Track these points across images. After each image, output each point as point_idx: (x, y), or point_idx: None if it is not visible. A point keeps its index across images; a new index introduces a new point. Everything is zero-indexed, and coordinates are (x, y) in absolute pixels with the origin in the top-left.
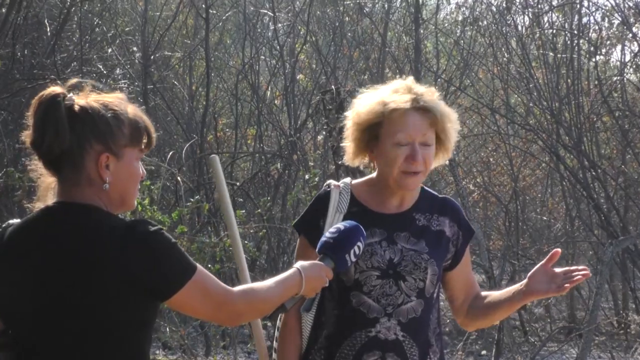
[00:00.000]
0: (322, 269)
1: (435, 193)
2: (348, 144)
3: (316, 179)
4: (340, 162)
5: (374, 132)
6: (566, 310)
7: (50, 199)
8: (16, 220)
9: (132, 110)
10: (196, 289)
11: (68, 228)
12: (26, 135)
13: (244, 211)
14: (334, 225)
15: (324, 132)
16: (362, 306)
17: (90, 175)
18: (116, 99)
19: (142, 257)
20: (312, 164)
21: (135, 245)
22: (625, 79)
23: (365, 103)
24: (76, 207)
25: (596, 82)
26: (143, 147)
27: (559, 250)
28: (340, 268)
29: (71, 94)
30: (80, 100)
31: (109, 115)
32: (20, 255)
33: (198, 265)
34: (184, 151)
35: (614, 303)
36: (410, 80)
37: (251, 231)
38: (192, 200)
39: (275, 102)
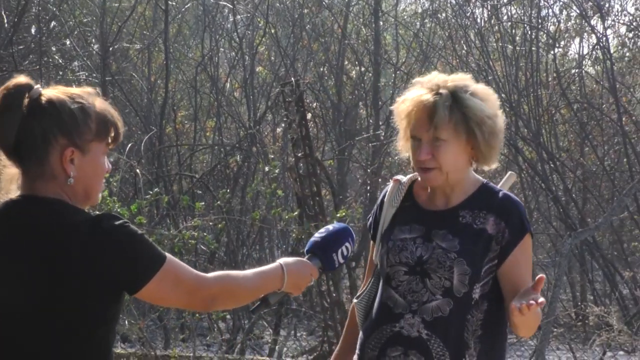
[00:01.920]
0: (306, 266)
1: (498, 189)
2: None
3: (276, 170)
4: (299, 154)
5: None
6: None
7: (14, 192)
8: None
9: (100, 104)
10: (167, 279)
11: (33, 223)
12: None
13: (203, 203)
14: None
15: (283, 124)
16: (390, 300)
17: (54, 169)
18: (84, 92)
19: (108, 252)
20: (272, 156)
21: (102, 240)
22: (583, 71)
23: (401, 100)
24: (40, 202)
25: (555, 75)
26: (110, 141)
27: (544, 276)
28: (327, 268)
29: (38, 86)
30: (47, 91)
31: (76, 108)
32: None
33: (167, 254)
34: (142, 143)
35: (572, 295)
36: (435, 73)
37: (210, 223)
38: (151, 192)
39: (235, 94)
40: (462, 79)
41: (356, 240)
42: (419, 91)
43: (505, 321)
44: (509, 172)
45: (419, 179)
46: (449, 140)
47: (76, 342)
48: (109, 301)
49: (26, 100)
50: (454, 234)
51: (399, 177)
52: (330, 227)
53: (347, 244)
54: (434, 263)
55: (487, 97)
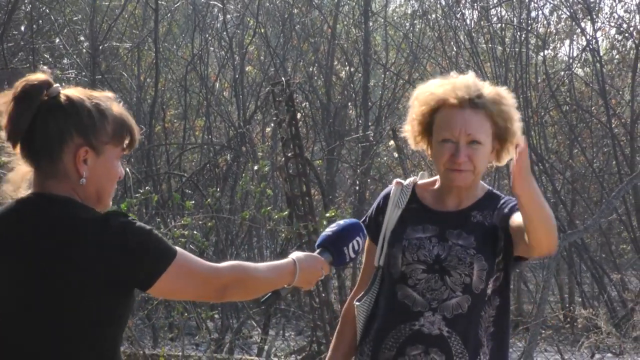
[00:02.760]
0: (318, 261)
1: (503, 194)
2: (407, 126)
3: (266, 168)
4: (289, 154)
5: (428, 127)
6: (513, 304)
7: (24, 189)
8: None
9: (118, 108)
10: (179, 273)
11: (43, 222)
12: (3, 119)
13: (192, 202)
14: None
15: (272, 124)
16: (407, 299)
17: (67, 168)
18: (103, 96)
19: (119, 250)
20: (260, 154)
21: (110, 238)
22: (573, 73)
23: (425, 92)
24: (51, 200)
25: (544, 77)
26: (125, 146)
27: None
28: (338, 262)
29: (57, 84)
30: (66, 91)
31: (94, 109)
32: None
33: (178, 249)
34: None
35: (561, 297)
36: (471, 76)
37: (200, 222)
38: (140, 191)
39: (224, 93)
40: (489, 84)
41: None
42: (452, 92)
43: (509, 316)
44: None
45: (419, 179)
46: (485, 144)
47: (86, 342)
48: (118, 299)
49: (44, 96)
50: (468, 232)
51: (400, 180)
52: (341, 221)
53: (358, 239)
54: (453, 260)
55: (511, 102)
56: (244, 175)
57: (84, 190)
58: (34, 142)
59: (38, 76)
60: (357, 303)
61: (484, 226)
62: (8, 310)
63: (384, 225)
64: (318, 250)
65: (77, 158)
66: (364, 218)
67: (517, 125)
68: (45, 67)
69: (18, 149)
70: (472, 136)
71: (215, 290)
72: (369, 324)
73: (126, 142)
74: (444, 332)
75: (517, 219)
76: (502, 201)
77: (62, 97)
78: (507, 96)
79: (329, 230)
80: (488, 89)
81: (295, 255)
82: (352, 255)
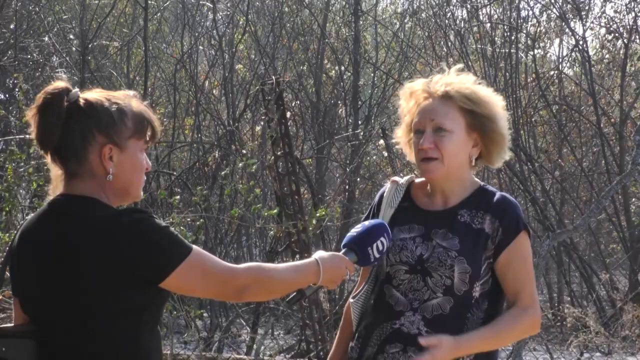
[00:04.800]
0: (342, 260)
1: (495, 191)
2: (399, 132)
3: (254, 167)
4: (279, 153)
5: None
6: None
7: (59, 190)
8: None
9: (137, 104)
10: (193, 270)
11: (64, 222)
12: (31, 129)
13: (178, 197)
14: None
15: (262, 123)
16: (391, 299)
17: (94, 167)
18: (121, 94)
19: (127, 245)
20: (244, 151)
21: (122, 235)
22: (562, 73)
23: (405, 88)
24: (73, 200)
25: (534, 76)
26: (147, 139)
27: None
28: (363, 262)
29: (76, 89)
30: (85, 94)
31: (113, 108)
32: (28, 247)
33: (194, 246)
34: None
35: (550, 296)
36: (454, 70)
37: (188, 220)
38: None
39: (214, 92)
40: (469, 79)
41: (334, 239)
42: (426, 84)
43: None
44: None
45: (416, 177)
46: (453, 132)
47: (105, 333)
48: (136, 294)
49: (65, 103)
50: (453, 233)
51: (397, 178)
52: (366, 222)
53: (382, 239)
54: (435, 262)
55: (491, 98)
56: (232, 174)
57: (112, 185)
58: (60, 146)
59: (56, 84)
60: (352, 300)
61: (471, 228)
62: (41, 311)
63: None
64: (343, 251)
65: (103, 156)
66: (364, 216)
67: (502, 125)
68: (62, 74)
69: (49, 156)
70: (436, 122)
71: (234, 290)
72: (361, 321)
73: (148, 134)
74: (423, 332)
75: (500, 268)
76: (498, 205)
77: (82, 101)
78: (487, 94)
79: (354, 230)
80: (467, 85)
81: (319, 255)
82: (377, 255)
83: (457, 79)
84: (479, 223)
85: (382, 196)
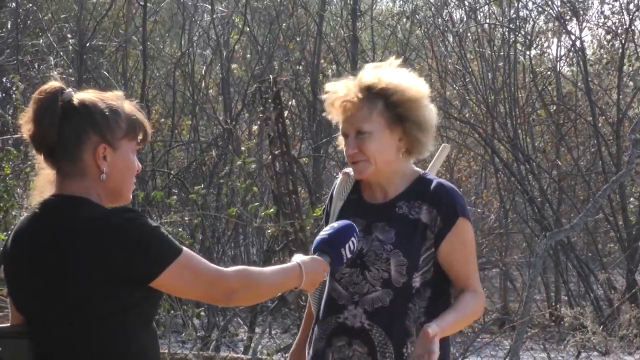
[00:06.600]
0: (321, 264)
1: (433, 179)
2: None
3: (253, 166)
4: (276, 152)
5: None
6: (499, 302)
7: (49, 191)
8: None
9: (129, 105)
10: (182, 271)
11: (54, 222)
12: (25, 129)
13: (175, 197)
14: (334, 217)
15: (259, 122)
16: (334, 292)
17: (87, 166)
18: (113, 96)
19: (117, 246)
20: (243, 148)
21: (111, 235)
22: (559, 73)
23: (327, 100)
24: (64, 200)
25: (531, 76)
26: (139, 141)
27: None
28: (336, 263)
29: (70, 89)
30: (79, 94)
31: (106, 108)
32: (21, 247)
33: (184, 248)
34: None
35: (547, 295)
36: (364, 71)
37: (186, 219)
38: None
39: (211, 91)
40: (387, 72)
41: None
42: (343, 90)
43: (449, 303)
44: (443, 145)
45: (354, 171)
46: (372, 132)
47: (96, 333)
48: (125, 294)
49: (60, 103)
50: (390, 226)
51: (348, 170)
52: (335, 224)
53: (352, 239)
54: (372, 255)
55: (412, 89)
56: (230, 174)
57: (105, 185)
58: (55, 146)
59: (51, 84)
60: (309, 294)
61: (408, 219)
62: (33, 311)
63: (330, 217)
64: (316, 254)
65: (97, 155)
66: (323, 208)
67: (423, 114)
68: (55, 74)
69: (41, 156)
70: (356, 126)
71: (223, 293)
72: (317, 314)
73: (140, 136)
74: (365, 325)
75: (444, 256)
76: (434, 193)
77: (76, 101)
78: (409, 85)
79: (325, 233)
80: (386, 80)
81: (300, 258)
82: (349, 256)
83: (374, 75)
84: (416, 213)
85: (331, 189)
